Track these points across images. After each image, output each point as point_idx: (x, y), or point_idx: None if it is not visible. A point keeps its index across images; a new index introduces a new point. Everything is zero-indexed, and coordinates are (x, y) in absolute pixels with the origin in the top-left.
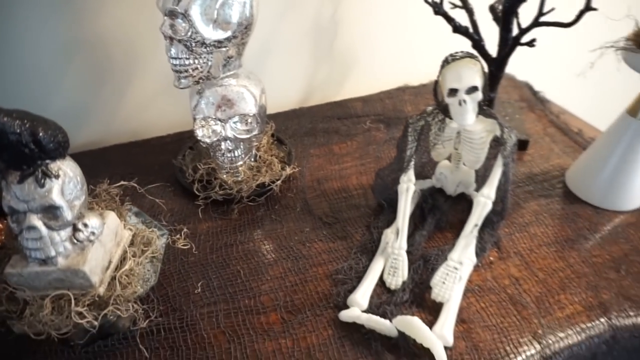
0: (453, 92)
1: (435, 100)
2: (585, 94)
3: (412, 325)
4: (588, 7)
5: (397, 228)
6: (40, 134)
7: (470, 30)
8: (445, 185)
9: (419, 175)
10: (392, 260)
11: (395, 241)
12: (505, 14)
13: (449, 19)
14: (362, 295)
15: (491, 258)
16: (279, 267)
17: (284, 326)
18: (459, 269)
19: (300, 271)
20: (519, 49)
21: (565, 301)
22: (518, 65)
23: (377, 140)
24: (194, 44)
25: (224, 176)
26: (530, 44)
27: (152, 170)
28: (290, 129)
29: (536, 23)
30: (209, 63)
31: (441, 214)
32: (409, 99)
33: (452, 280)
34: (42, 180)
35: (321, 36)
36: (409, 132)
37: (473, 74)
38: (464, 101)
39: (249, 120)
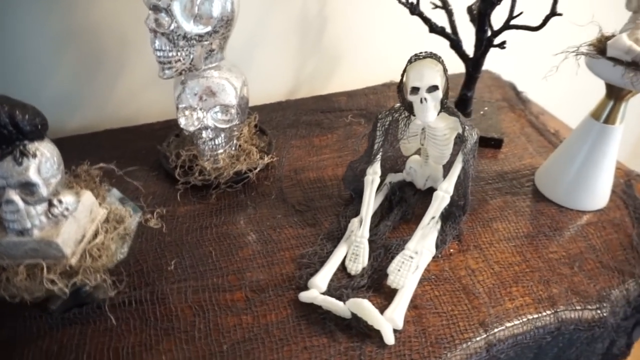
0: (415, 90)
1: (400, 98)
2: (564, 94)
3: (363, 307)
4: (553, 13)
5: (361, 217)
6: (18, 117)
7: (449, 30)
8: (415, 179)
9: (392, 169)
10: (354, 247)
11: (359, 229)
12: (480, 16)
13: (426, 20)
14: (322, 278)
15: (451, 250)
16: (249, 249)
17: (247, 304)
18: (415, 258)
19: (268, 254)
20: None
21: (517, 293)
22: (505, 65)
23: (357, 134)
24: (176, 38)
25: (204, 163)
26: (501, 45)
27: (140, 155)
28: (275, 120)
29: (506, 26)
30: (191, 56)
31: (407, 207)
32: (393, 95)
33: (407, 268)
34: (20, 159)
35: (308, 30)
36: (377, 127)
37: (434, 73)
38: (425, 99)
39: (229, 111)
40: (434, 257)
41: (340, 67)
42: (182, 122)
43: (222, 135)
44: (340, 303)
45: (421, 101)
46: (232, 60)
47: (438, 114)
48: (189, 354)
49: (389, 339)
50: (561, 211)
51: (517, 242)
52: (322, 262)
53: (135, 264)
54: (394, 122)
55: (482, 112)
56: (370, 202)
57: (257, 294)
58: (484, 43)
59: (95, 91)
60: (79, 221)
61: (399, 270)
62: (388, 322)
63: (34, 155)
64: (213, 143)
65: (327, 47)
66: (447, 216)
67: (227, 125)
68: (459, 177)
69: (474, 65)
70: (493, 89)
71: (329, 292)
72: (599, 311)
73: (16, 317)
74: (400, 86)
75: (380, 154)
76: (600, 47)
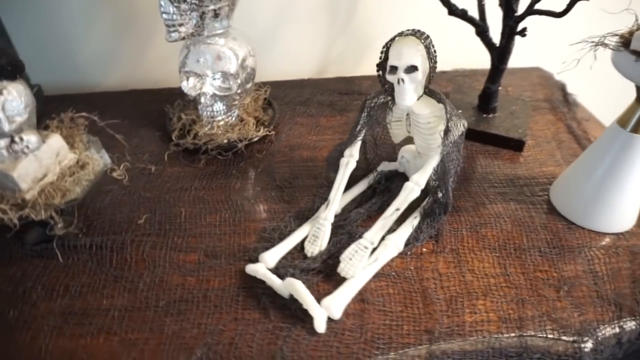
0: (393, 69)
1: (380, 78)
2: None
3: (296, 288)
4: None
5: (328, 200)
6: None
7: (476, 15)
8: (407, 170)
9: (388, 157)
10: (315, 229)
11: (324, 212)
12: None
13: (446, 2)
14: (274, 254)
15: (424, 249)
16: (217, 216)
17: (197, 266)
18: (369, 248)
19: (234, 223)
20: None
21: (481, 307)
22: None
23: None
24: (175, 1)
25: (199, 128)
26: (522, 33)
27: (152, 116)
28: (289, 96)
29: (529, 11)
30: (193, 21)
31: (389, 198)
32: None
33: (359, 258)
34: None
35: (338, 9)
36: (364, 108)
37: (414, 53)
38: (402, 80)
39: (229, 79)
40: (401, 254)
41: (369, 51)
42: (184, 86)
43: (221, 103)
44: (279, 281)
45: (398, 82)
46: (255, 34)
47: (419, 98)
48: (127, 302)
49: (319, 325)
50: (570, 228)
51: (502, 254)
52: (282, 239)
53: (111, 213)
54: (383, 105)
55: (510, 110)
56: (341, 185)
57: (209, 259)
58: (507, 30)
59: (128, 53)
60: (40, 160)
61: (350, 259)
62: (324, 309)
63: (0, 93)
64: (211, 110)
65: (356, 29)
66: (426, 213)
67: (226, 93)
68: (439, 171)
69: (499, 55)
70: (538, 88)
71: (276, 269)
72: (575, 345)
73: None
74: (381, 64)
75: (361, 136)
76: (628, 40)
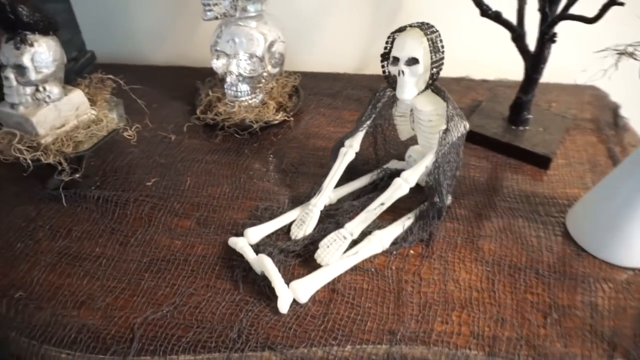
0: (395, 60)
1: (385, 70)
2: None
3: (265, 265)
4: (613, 1)
5: (321, 187)
6: (18, 9)
7: (513, 19)
8: None
9: (400, 156)
10: (304, 214)
11: (315, 198)
12: (545, 2)
13: (478, 2)
14: (258, 231)
15: (411, 251)
16: (218, 188)
17: (186, 232)
18: (348, 239)
19: (231, 198)
20: None
21: (455, 319)
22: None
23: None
24: None
25: (221, 106)
26: (552, 39)
27: (187, 90)
28: (319, 87)
29: (561, 16)
30: (227, 1)
31: None
32: (458, 90)
33: (336, 247)
34: (18, 45)
35: (383, 4)
36: (372, 100)
37: (417, 45)
38: (402, 72)
39: (254, 61)
40: (385, 252)
41: None
42: (214, 63)
43: (246, 84)
44: (252, 255)
45: (399, 74)
46: (295, 23)
47: (420, 93)
48: (116, 253)
49: (282, 305)
50: (579, 255)
51: (494, 269)
52: (271, 218)
53: (126, 172)
54: (391, 98)
55: (544, 125)
56: (337, 173)
57: (200, 227)
58: (540, 36)
59: (179, 31)
60: (60, 111)
61: (328, 246)
62: (290, 291)
63: (31, 45)
64: (236, 89)
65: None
66: (420, 214)
67: (251, 75)
68: (433, 171)
69: (532, 64)
70: (587, 107)
71: (257, 246)
72: None
73: (22, 183)
74: (385, 55)
75: (365, 128)
76: None
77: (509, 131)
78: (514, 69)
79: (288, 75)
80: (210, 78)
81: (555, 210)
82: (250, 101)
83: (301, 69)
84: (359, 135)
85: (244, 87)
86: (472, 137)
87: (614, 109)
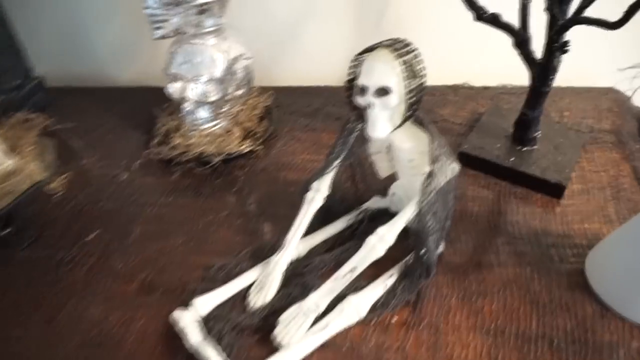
0: (363, 90)
1: (349, 100)
2: None
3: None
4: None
5: (284, 242)
6: None
7: (514, 22)
8: (400, 210)
9: (383, 191)
10: (263, 276)
11: (276, 255)
12: (553, 3)
13: (471, 3)
14: (209, 300)
15: (394, 319)
16: (170, 240)
17: (127, 300)
18: (312, 315)
19: (184, 252)
20: None
21: None
22: None
23: None
24: None
25: (177, 137)
26: (562, 48)
27: (149, 116)
28: (296, 105)
29: (575, 19)
30: (177, 17)
31: None
32: (455, 101)
33: (297, 324)
34: None
35: (369, 5)
36: (343, 133)
37: (387, 71)
38: (372, 105)
39: (212, 84)
40: (362, 321)
41: None
42: (168, 88)
43: (204, 109)
44: (195, 340)
45: (368, 106)
46: (271, 31)
47: (397, 128)
48: (41, 334)
49: None
50: (603, 316)
51: (498, 340)
52: (226, 281)
53: (66, 223)
54: (364, 132)
55: (555, 143)
56: (302, 225)
57: (143, 294)
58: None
59: (142, 49)
60: None
61: (288, 323)
62: None
63: None
64: (193, 117)
65: (389, 30)
66: (405, 272)
67: (209, 100)
68: (415, 227)
69: (540, 74)
70: (606, 114)
71: (207, 320)
72: None
73: None
74: (350, 82)
75: (335, 167)
76: None
77: (514, 153)
78: (520, 73)
79: (259, 94)
80: (169, 103)
81: (571, 254)
82: (212, 129)
83: (278, 84)
84: (328, 178)
85: (204, 114)
86: (470, 161)
87: (639, 117)
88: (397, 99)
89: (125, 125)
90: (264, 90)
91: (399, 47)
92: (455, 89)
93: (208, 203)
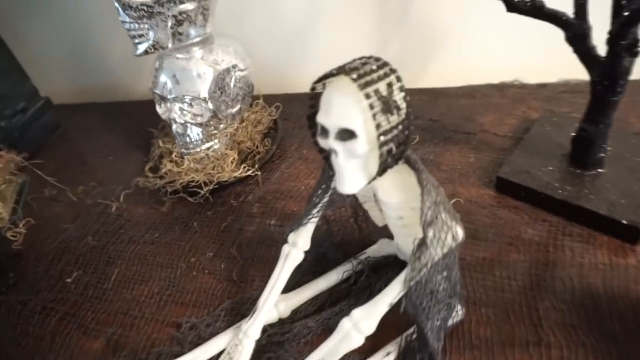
0: (324, 132)
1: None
2: None
3: None
4: None
5: (256, 306)
6: None
7: (552, 7)
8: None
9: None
10: (232, 346)
11: (247, 322)
12: None
13: None
14: None
15: None
16: (148, 286)
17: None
18: None
19: (159, 302)
20: None
21: None
22: None
23: None
24: (122, 7)
25: (168, 162)
26: (632, 49)
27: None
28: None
29: None
30: (151, 32)
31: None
32: (501, 105)
33: None
34: None
35: (387, 2)
36: (324, 177)
37: (350, 107)
38: (335, 152)
39: (197, 104)
40: None
41: (432, 57)
42: (158, 110)
43: (194, 132)
44: None
45: (332, 153)
46: (282, 34)
47: (372, 180)
48: None
49: None
50: None
51: None
52: (197, 344)
53: (50, 262)
54: None
55: (629, 164)
56: (277, 285)
57: (109, 354)
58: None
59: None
60: None
61: None
62: None
63: None
64: (183, 140)
65: (414, 27)
66: (405, 355)
67: (195, 121)
68: (411, 310)
69: (604, 77)
70: None
71: None
72: None
73: None
74: (312, 117)
75: (316, 215)
76: None
77: (571, 178)
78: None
79: (263, 107)
80: (165, 123)
81: None
82: (206, 152)
83: (292, 91)
84: (307, 229)
85: (196, 136)
86: (511, 190)
87: None
88: (365, 145)
89: (129, 146)
90: (272, 100)
91: (366, 71)
92: (501, 88)
93: (195, 241)
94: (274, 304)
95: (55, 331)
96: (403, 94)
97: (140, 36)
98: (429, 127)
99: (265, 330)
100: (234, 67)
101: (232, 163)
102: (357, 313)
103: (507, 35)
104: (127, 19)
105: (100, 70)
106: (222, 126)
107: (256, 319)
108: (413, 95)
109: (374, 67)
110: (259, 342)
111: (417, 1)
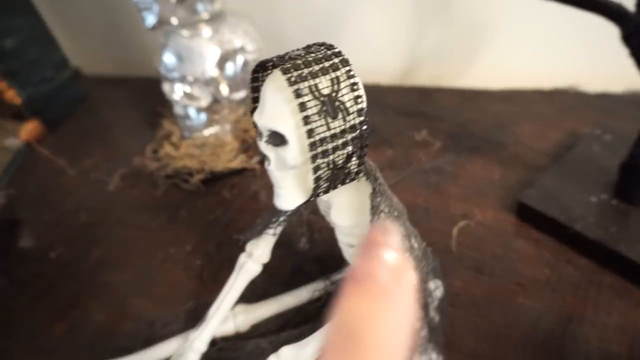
0: (258, 132)
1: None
2: None
3: None
4: None
5: (205, 316)
6: None
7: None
8: None
9: None
10: (176, 356)
11: (193, 333)
12: None
13: None
14: None
15: None
16: (121, 273)
17: (49, 346)
18: None
19: (127, 291)
20: None
21: None
22: None
23: (404, 165)
24: None
25: (167, 145)
26: None
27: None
28: None
29: None
30: (154, 4)
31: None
32: (546, 114)
33: None
34: None
35: None
36: None
37: (279, 105)
38: (267, 158)
39: (197, 85)
40: None
41: (473, 50)
42: (162, 88)
43: (197, 114)
44: None
45: (265, 159)
46: (311, 19)
47: (311, 198)
48: None
49: None
50: None
51: None
52: (148, 343)
53: (43, 232)
54: None
55: None
56: (228, 297)
57: (66, 340)
58: None
59: None
60: None
61: None
62: None
63: None
64: (184, 122)
65: (453, 17)
66: None
67: (195, 104)
68: None
69: None
70: None
71: None
72: None
73: None
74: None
75: (279, 225)
76: None
77: (612, 214)
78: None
79: None
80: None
81: None
82: (205, 138)
83: None
84: (266, 240)
85: (197, 119)
86: (533, 218)
87: None
88: (297, 154)
89: (146, 123)
90: None
91: (303, 62)
92: (550, 95)
93: (178, 231)
94: (223, 316)
95: (27, 307)
96: (355, 94)
97: (146, 9)
98: (453, 133)
99: (215, 342)
100: (241, 48)
101: (231, 152)
102: (285, 352)
103: (565, 32)
104: None
105: (134, 43)
106: (225, 111)
107: (203, 331)
108: (443, 95)
109: (318, 57)
110: (208, 355)
111: None
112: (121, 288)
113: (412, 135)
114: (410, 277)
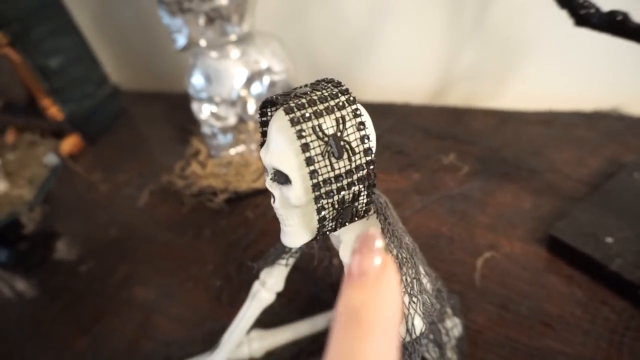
0: (265, 170)
1: None
2: None
3: None
4: None
5: (218, 343)
6: None
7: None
8: None
9: None
10: None
11: (207, 358)
12: None
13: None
14: None
15: None
16: (145, 290)
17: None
18: None
19: (150, 308)
20: None
21: None
22: None
23: (431, 189)
24: (158, 2)
25: (194, 164)
26: None
27: None
28: None
29: None
30: (184, 27)
31: None
32: (586, 139)
33: None
34: None
35: (464, 5)
36: None
37: (282, 145)
38: (272, 196)
39: (224, 105)
40: None
41: (509, 69)
42: (192, 107)
43: (221, 134)
44: None
45: (272, 199)
46: (345, 36)
47: (320, 236)
48: None
49: None
50: None
51: None
52: None
53: (73, 242)
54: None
55: None
56: (242, 324)
57: (89, 354)
58: None
59: None
60: None
61: None
62: None
63: None
64: (211, 142)
65: (489, 35)
66: None
67: (220, 124)
68: None
69: None
70: None
71: None
72: None
73: None
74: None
75: (294, 254)
76: None
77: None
78: None
79: None
80: None
81: None
82: (231, 157)
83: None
84: (280, 269)
85: (224, 139)
86: (566, 253)
87: None
88: (301, 195)
89: (175, 138)
90: None
91: (307, 101)
92: (592, 118)
93: (201, 249)
94: (236, 342)
95: (56, 320)
96: (361, 133)
97: (177, 32)
98: (484, 157)
99: None
100: (268, 69)
101: (255, 172)
102: None
103: (608, 51)
104: (165, 14)
105: (171, 60)
106: (251, 130)
107: (216, 357)
108: (476, 116)
109: (323, 95)
110: None
111: (497, 4)
112: (144, 305)
113: (440, 158)
114: (392, 272)
